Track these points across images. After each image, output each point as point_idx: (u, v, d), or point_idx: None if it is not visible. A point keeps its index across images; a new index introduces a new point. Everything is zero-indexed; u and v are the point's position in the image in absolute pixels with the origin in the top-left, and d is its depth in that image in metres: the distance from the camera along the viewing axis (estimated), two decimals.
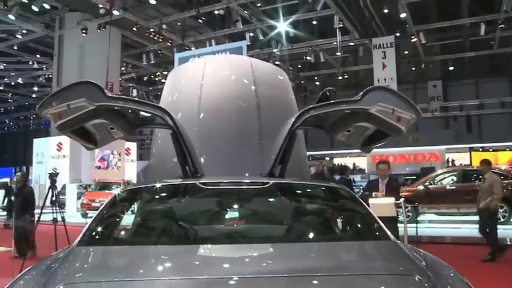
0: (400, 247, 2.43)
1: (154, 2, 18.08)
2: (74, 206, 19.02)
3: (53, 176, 7.96)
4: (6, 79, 32.55)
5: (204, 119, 3.94)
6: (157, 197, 3.30)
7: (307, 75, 31.36)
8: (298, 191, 3.42)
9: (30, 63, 28.74)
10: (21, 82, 33.42)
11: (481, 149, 30.93)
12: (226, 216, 3.07)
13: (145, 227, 3.04)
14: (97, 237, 2.61)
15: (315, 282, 1.94)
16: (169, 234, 2.83)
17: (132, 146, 27.28)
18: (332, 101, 3.65)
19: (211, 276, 1.94)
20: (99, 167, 23.74)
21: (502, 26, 19.98)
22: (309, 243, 2.69)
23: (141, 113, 3.70)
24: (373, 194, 6.06)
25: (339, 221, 3.11)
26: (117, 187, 18.07)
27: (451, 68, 28.76)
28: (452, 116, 31.22)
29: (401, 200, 5.73)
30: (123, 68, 28.09)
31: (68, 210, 13.69)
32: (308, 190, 3.50)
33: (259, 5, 21.13)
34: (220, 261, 2.24)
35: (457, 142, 30.59)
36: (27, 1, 17.80)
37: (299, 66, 30.33)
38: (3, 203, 10.80)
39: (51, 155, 23.48)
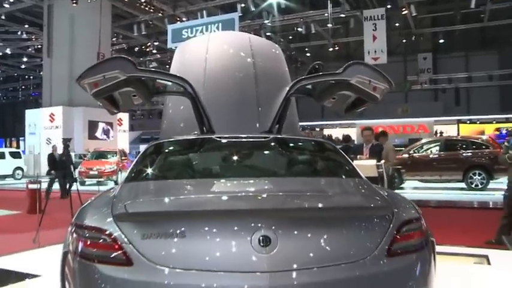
0: (368, 182, 3.15)
1: None
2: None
3: (66, 141, 8.21)
4: None
5: (209, 88, 4.50)
6: (183, 146, 4.01)
7: (298, 46, 31.39)
8: (291, 144, 4.12)
9: (19, 33, 28.40)
10: (10, 53, 33.02)
11: (468, 121, 31.48)
12: (239, 160, 3.67)
13: (175, 167, 3.65)
14: (137, 176, 3.31)
15: (300, 198, 2.67)
16: (196, 171, 3.61)
17: (124, 117, 27.37)
18: (320, 73, 4.30)
19: (228, 191, 2.85)
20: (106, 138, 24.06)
21: None
22: (298, 178, 3.40)
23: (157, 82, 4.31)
24: (358, 156, 6.56)
25: (322, 164, 3.83)
26: (112, 156, 18.37)
27: (442, 41, 28.94)
28: (441, 89, 31.55)
29: (382, 161, 6.14)
30: (114, 39, 27.87)
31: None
32: (300, 143, 4.26)
33: None
34: (234, 186, 3.03)
35: (445, 114, 31.06)
36: None
37: (290, 37, 30.32)
38: (50, 172, 11.74)
39: (44, 126, 23.55)
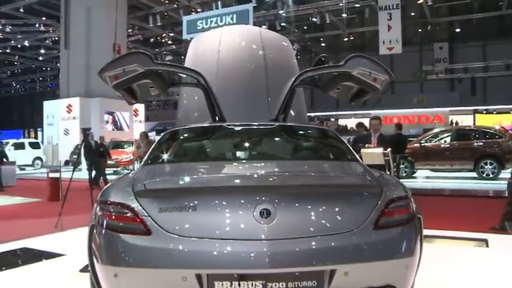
0: (364, 165, 3.45)
1: None
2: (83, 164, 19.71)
3: (85, 131, 8.43)
4: (12, 42, 32.67)
5: (221, 78, 4.77)
6: (196, 133, 4.36)
7: (313, 36, 31.29)
8: (295, 130, 4.44)
9: (37, 25, 28.80)
10: (27, 45, 33.56)
11: (485, 111, 31.13)
12: (246, 145, 4.03)
13: (188, 152, 4.06)
14: (155, 160, 3.64)
15: (299, 177, 3.07)
16: (207, 155, 4.02)
17: (140, 108, 27.64)
18: (323, 66, 4.59)
19: (235, 171, 3.27)
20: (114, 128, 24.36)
21: None
22: (298, 160, 3.80)
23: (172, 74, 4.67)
24: (366, 145, 6.79)
25: (322, 149, 4.20)
26: (129, 146, 18.63)
27: (458, 30, 28.60)
28: (457, 78, 31.23)
29: (388, 149, 6.25)
30: (129, 30, 28.15)
31: (84, 168, 14.61)
32: (302, 130, 4.57)
33: None
34: (240, 167, 3.45)
35: (461, 104, 30.79)
36: None
37: (305, 27, 30.24)
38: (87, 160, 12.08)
39: (61, 117, 23.94)
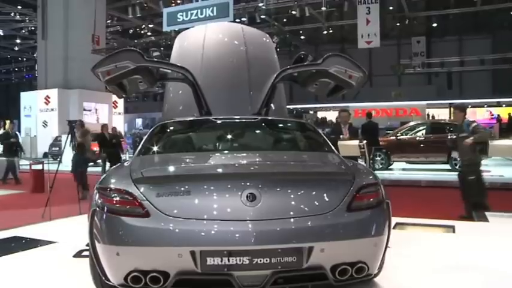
0: (338, 155, 3.83)
1: None
2: (69, 156, 19.51)
3: (71, 123, 8.46)
4: None
5: (206, 73, 5.03)
6: (185, 126, 4.64)
7: (292, 29, 31.36)
8: (275, 123, 4.79)
9: (12, 14, 28.24)
10: (2, 34, 32.83)
11: None
12: (232, 136, 4.31)
13: (178, 143, 4.37)
14: (148, 151, 3.95)
15: (280, 165, 3.47)
16: (196, 146, 4.33)
17: (120, 100, 27.47)
18: (303, 64, 4.96)
19: (223, 160, 3.63)
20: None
21: None
22: (281, 151, 4.19)
23: (161, 70, 4.98)
24: (341, 136, 7.35)
25: (301, 140, 4.50)
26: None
27: (435, 25, 29.08)
28: (434, 72, 31.81)
29: (364, 142, 6.84)
30: (108, 21, 27.78)
31: (64, 160, 14.47)
32: (283, 124, 4.91)
33: None
34: (227, 156, 3.80)
35: (438, 98, 31.41)
36: None
37: (284, 20, 30.30)
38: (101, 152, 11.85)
39: (40, 108, 23.65)
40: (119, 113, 27.45)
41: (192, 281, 2.69)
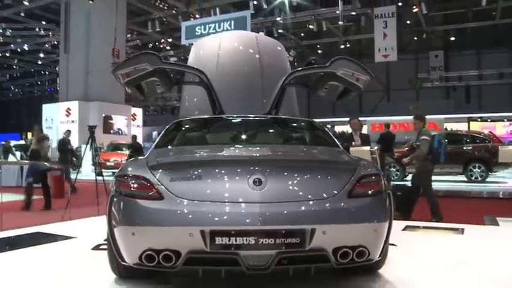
0: (344, 151, 3.91)
1: None
2: (89, 165, 19.88)
3: (92, 128, 8.51)
4: (12, 46, 32.86)
5: (220, 80, 5.18)
6: (199, 123, 4.88)
7: (310, 43, 31.64)
8: (284, 121, 4.97)
9: (37, 30, 29.01)
10: (27, 49, 33.74)
11: (479, 119, 31.43)
12: (243, 131, 4.48)
13: (192, 137, 4.56)
14: (164, 144, 4.13)
15: (287, 154, 3.64)
16: (209, 139, 4.48)
17: (138, 112, 27.88)
18: (311, 66, 5.17)
19: (233, 149, 3.83)
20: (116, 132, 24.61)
21: None
22: (288, 145, 4.36)
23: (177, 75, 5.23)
24: (353, 143, 7.50)
25: (308, 136, 4.65)
26: (126, 148, 18.91)
27: (453, 39, 28.97)
28: (452, 86, 31.60)
29: (375, 147, 6.86)
30: (128, 35, 28.40)
31: (83, 169, 14.88)
32: (291, 122, 5.06)
33: None
34: (237, 147, 4.01)
35: (456, 112, 31.09)
36: None
37: (302, 34, 30.58)
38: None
39: (60, 120, 24.13)
40: (138, 126, 27.83)
41: (201, 260, 2.85)
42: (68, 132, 13.39)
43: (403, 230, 5.85)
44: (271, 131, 4.78)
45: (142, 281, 3.44)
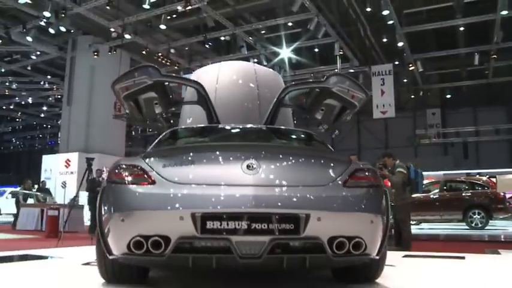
0: (337, 153, 4.06)
1: (164, 27, 18.98)
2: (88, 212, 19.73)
3: (89, 160, 8.71)
4: (17, 98, 33.42)
5: (219, 112, 5.13)
6: (193, 131, 4.91)
7: None
8: (280, 131, 4.95)
9: (41, 83, 29.65)
10: (31, 102, 34.30)
11: (477, 175, 31.42)
12: (237, 136, 4.53)
13: (189, 141, 4.58)
14: (156, 146, 4.15)
15: (280, 147, 3.85)
16: (203, 143, 4.40)
17: None
18: (307, 81, 5.18)
19: (226, 141, 3.98)
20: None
21: (495, 56, 20.80)
22: (283, 148, 4.17)
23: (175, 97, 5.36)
24: None
25: (305, 144, 4.68)
26: None
27: (449, 96, 29.52)
28: (449, 142, 31.83)
29: None
30: None
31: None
32: (287, 131, 5.08)
33: (263, 32, 22.08)
34: (237, 139, 4.22)
35: (455, 168, 31.12)
36: (44, 24, 18.71)
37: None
38: None
39: (59, 171, 24.10)
40: None
41: (192, 248, 2.76)
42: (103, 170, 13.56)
43: (403, 257, 6.05)
44: (266, 136, 4.70)
45: None
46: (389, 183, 7.44)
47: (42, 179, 25.76)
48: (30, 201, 17.79)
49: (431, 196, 14.22)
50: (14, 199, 17.67)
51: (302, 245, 2.81)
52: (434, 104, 31.95)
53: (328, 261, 2.84)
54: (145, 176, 2.96)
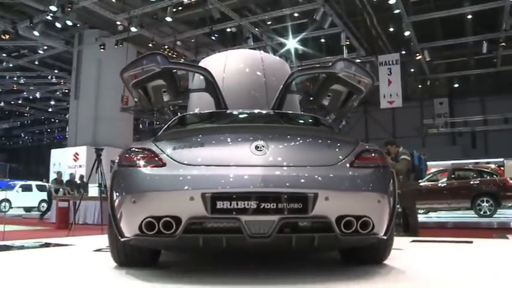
0: (343, 134, 4.01)
1: (170, 20, 18.98)
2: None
3: (98, 151, 8.74)
4: (25, 93, 33.64)
5: (226, 100, 5.12)
6: (202, 117, 4.90)
7: None
8: (289, 115, 4.91)
9: (49, 78, 29.81)
10: (39, 96, 34.54)
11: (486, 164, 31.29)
12: (243, 120, 4.53)
13: (198, 123, 4.58)
14: (166, 130, 4.22)
15: (289, 128, 3.89)
16: (212, 125, 4.37)
17: None
18: (314, 66, 5.24)
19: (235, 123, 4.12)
20: None
21: (503, 44, 20.61)
22: (291, 130, 4.06)
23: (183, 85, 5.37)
24: None
25: (310, 126, 4.62)
26: None
27: (456, 86, 29.33)
28: (457, 132, 31.68)
29: None
30: None
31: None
32: (295, 116, 5.07)
33: (269, 23, 22.02)
34: (246, 121, 4.28)
35: (463, 157, 30.98)
36: (51, 19, 18.79)
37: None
38: None
39: (68, 165, 24.27)
40: None
41: (202, 228, 2.80)
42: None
43: (411, 242, 6.13)
44: (275, 120, 4.70)
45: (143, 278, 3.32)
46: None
47: (50, 172, 26.08)
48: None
49: (439, 184, 14.16)
50: (46, 192, 18.50)
51: (310, 224, 2.85)
52: (442, 93, 31.78)
53: (336, 240, 2.86)
54: (156, 158, 3.00)
